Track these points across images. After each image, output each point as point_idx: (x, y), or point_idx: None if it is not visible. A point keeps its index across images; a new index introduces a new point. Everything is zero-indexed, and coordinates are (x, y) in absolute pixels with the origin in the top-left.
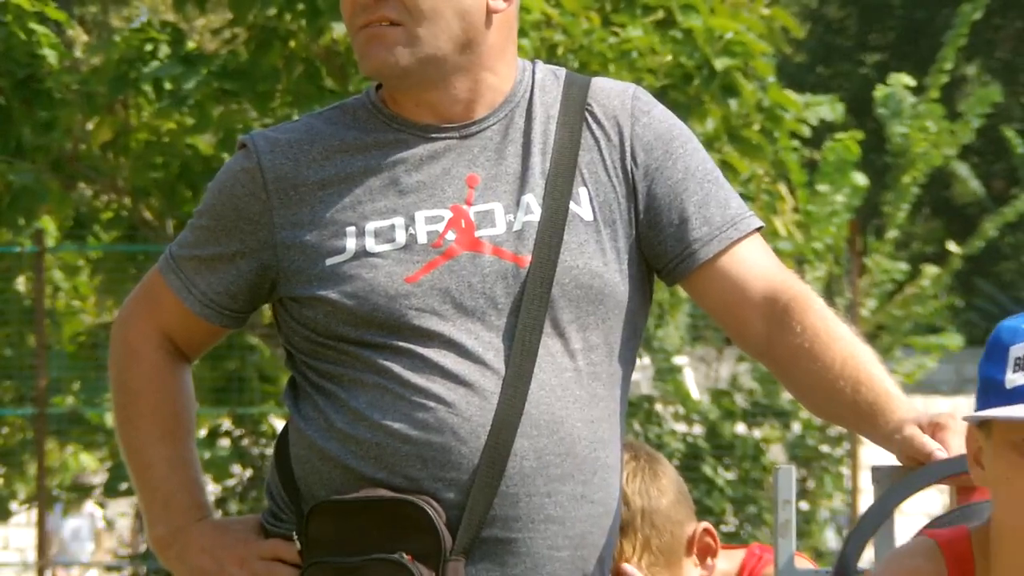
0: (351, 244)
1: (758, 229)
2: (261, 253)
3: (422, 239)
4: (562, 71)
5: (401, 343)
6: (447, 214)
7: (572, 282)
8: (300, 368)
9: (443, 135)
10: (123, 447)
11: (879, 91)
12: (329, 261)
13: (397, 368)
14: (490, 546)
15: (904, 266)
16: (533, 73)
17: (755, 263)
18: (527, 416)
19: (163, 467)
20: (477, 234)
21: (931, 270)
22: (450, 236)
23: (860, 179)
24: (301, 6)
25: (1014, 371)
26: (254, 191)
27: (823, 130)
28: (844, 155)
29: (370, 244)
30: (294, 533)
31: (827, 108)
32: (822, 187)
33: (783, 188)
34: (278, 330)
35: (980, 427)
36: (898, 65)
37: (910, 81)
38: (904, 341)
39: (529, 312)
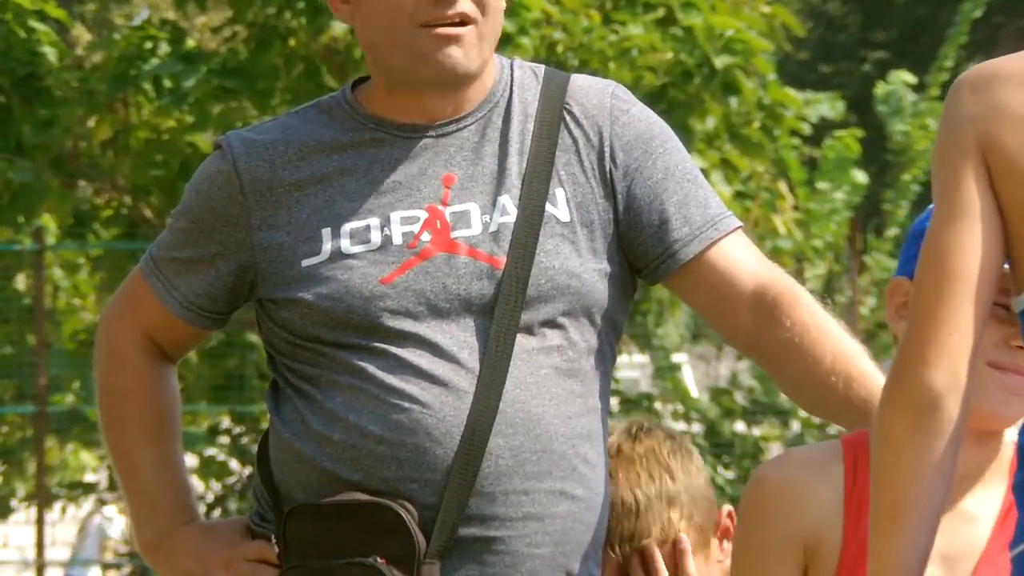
0: (327, 245)
1: (738, 228)
2: (239, 255)
3: (397, 240)
4: (541, 68)
5: (376, 344)
6: (422, 215)
7: (548, 283)
8: (280, 370)
9: (420, 134)
10: (109, 450)
11: (879, 88)
12: (305, 262)
13: (372, 369)
14: (468, 545)
15: None
16: (512, 72)
17: (739, 260)
18: (502, 414)
19: (149, 470)
20: (453, 235)
21: None
22: (425, 237)
23: (860, 177)
24: (301, 4)
25: None
26: (231, 193)
27: (824, 128)
28: (844, 153)
29: (345, 245)
30: (272, 536)
31: (827, 106)
32: (822, 185)
33: (783, 186)
34: (259, 332)
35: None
36: (900, 62)
37: (910, 79)
38: None
39: (504, 313)
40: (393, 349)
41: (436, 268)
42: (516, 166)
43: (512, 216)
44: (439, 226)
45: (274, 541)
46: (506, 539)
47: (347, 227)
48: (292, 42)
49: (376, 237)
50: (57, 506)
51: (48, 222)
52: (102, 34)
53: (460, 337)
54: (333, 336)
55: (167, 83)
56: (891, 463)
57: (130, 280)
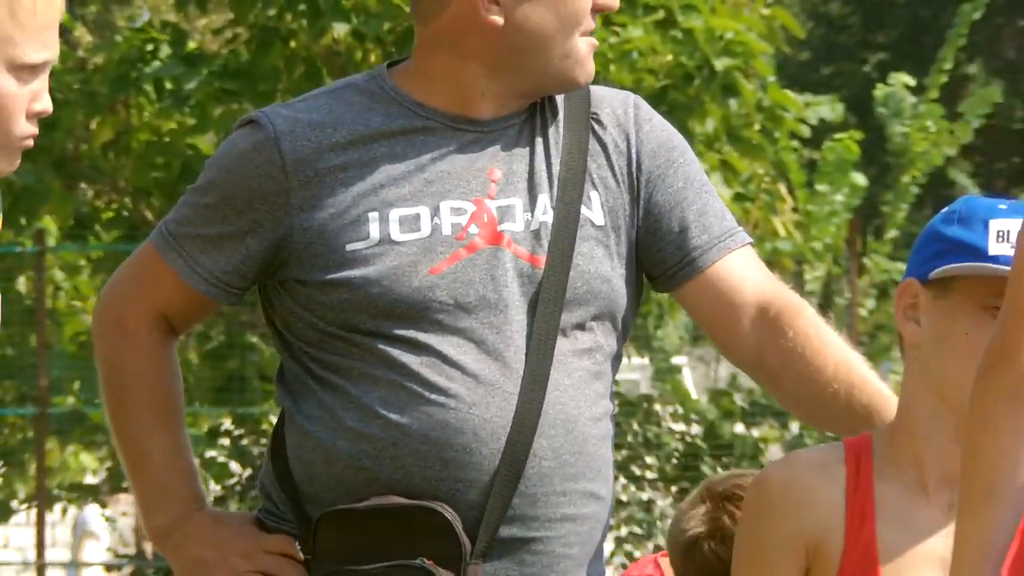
0: (374, 230)
1: (750, 243)
2: (274, 233)
3: (446, 231)
4: None
5: (419, 337)
6: (470, 207)
7: (584, 286)
8: (300, 358)
9: (468, 127)
10: (116, 433)
11: (879, 90)
12: (350, 246)
13: (414, 364)
14: (508, 545)
15: (903, 266)
16: None
17: (748, 273)
18: (545, 416)
19: (161, 455)
20: (499, 228)
21: None
22: (473, 229)
23: (859, 179)
24: (302, 6)
25: (997, 241)
26: (271, 171)
27: (823, 130)
28: (844, 155)
29: (395, 232)
30: (297, 543)
31: (827, 108)
32: (821, 187)
33: (783, 188)
34: (268, 312)
35: (928, 284)
36: (901, 64)
37: (910, 80)
38: None
39: (544, 315)
40: (436, 344)
41: (484, 261)
42: (553, 168)
43: (551, 216)
44: (486, 219)
45: (298, 546)
46: (544, 539)
47: (396, 213)
48: (293, 44)
49: (426, 226)
50: (57, 508)
51: (49, 224)
52: (103, 36)
53: (505, 333)
54: (373, 325)
55: (168, 85)
56: (988, 445)
57: (140, 257)
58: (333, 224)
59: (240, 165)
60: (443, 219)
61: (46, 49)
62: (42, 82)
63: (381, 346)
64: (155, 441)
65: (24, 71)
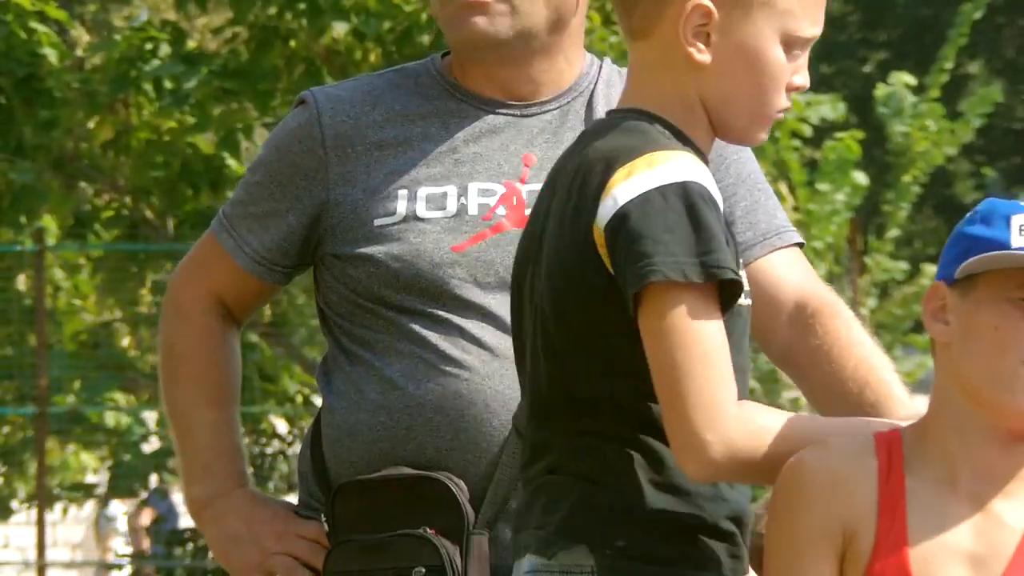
0: (401, 207)
1: (799, 245)
2: (312, 208)
3: (472, 210)
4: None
5: (440, 312)
6: (500, 189)
7: None
8: (335, 333)
9: (504, 111)
10: (167, 409)
11: (880, 90)
12: (378, 221)
13: (433, 338)
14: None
15: (904, 265)
16: (600, 68)
17: (789, 272)
18: None
19: (207, 431)
20: (527, 212)
21: (931, 269)
22: (500, 211)
23: (861, 178)
24: (302, 5)
25: (1020, 234)
26: (311, 147)
27: (824, 129)
28: (845, 154)
29: (420, 209)
30: (322, 516)
31: (829, 107)
32: (823, 186)
33: (784, 187)
34: (315, 290)
35: (953, 285)
36: (902, 63)
37: (911, 80)
38: (904, 340)
39: None
40: (456, 319)
41: (508, 242)
42: None
43: None
44: (515, 202)
45: (323, 519)
46: None
47: (424, 191)
48: (293, 43)
49: (452, 205)
50: (58, 507)
51: (49, 223)
52: (103, 35)
53: None
54: (398, 299)
55: (168, 84)
56: None
57: (200, 242)
58: (365, 200)
59: (287, 142)
60: (470, 199)
61: (815, 26)
62: (804, 58)
63: (404, 320)
64: (201, 418)
65: (796, 45)
